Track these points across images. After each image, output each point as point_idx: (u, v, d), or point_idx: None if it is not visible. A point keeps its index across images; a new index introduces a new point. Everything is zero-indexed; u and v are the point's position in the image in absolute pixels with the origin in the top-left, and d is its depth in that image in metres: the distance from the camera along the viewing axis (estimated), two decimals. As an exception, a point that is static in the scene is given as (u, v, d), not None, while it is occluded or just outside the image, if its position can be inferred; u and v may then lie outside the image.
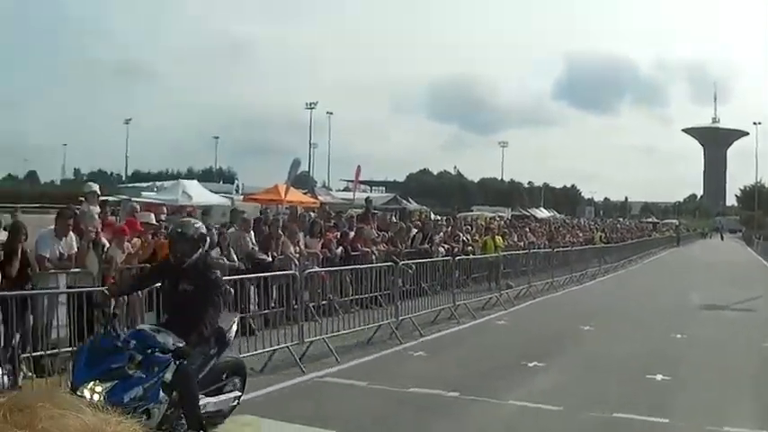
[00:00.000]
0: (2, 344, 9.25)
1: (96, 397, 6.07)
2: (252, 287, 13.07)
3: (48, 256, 10.88)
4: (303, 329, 12.05)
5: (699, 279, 31.38)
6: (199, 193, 32.65)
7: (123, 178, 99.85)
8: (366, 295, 15.35)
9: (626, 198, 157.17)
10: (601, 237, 42.52)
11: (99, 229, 11.91)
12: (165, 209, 16.80)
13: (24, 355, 9.30)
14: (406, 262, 17.23)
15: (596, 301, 22.30)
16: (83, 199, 14.46)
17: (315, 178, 77.38)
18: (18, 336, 9.33)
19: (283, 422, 8.76)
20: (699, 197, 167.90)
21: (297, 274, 12.91)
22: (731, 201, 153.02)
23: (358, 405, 9.77)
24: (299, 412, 9.15)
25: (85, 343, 6.79)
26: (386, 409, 9.53)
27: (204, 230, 7.84)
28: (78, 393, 5.53)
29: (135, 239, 12.73)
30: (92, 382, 6.33)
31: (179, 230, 7.63)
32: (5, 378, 8.72)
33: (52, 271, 10.85)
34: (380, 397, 10.18)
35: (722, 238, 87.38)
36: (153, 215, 14.62)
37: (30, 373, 9.14)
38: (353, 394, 10.35)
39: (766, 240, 57.29)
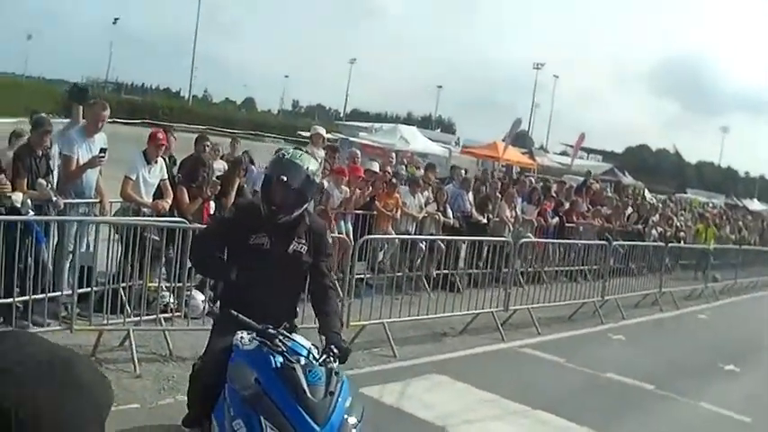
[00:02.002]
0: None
1: None
2: (463, 245, 13.40)
3: None
4: (510, 296, 12.19)
5: None
6: (416, 140, 32.89)
7: (341, 115, 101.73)
8: (575, 268, 15.44)
9: None
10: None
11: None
12: (393, 157, 16.92)
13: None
14: (620, 243, 17.11)
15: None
16: (307, 140, 14.79)
17: (533, 138, 76.59)
18: None
19: (476, 388, 8.86)
20: None
21: (511, 241, 13.07)
22: None
23: (554, 382, 9.81)
24: (493, 380, 9.23)
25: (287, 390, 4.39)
26: (581, 392, 9.54)
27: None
28: None
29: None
30: None
31: (297, 164, 5.09)
32: (204, 304, 9.06)
33: None
34: (577, 378, 10.22)
35: None
36: (377, 164, 14.91)
37: None
38: (551, 370, 10.43)
39: None
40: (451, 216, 14.73)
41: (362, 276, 11.07)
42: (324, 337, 4.95)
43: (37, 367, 1.27)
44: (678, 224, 24.60)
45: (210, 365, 5.12)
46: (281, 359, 4.53)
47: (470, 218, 15.00)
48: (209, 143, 11.62)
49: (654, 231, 21.70)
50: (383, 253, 12.59)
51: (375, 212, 13.13)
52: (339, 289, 5.50)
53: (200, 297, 9.24)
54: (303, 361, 4.53)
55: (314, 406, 4.27)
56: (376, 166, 14.37)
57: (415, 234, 13.63)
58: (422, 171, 19.77)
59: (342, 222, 12.55)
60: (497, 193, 16.05)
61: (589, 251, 15.69)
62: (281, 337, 4.66)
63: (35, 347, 1.31)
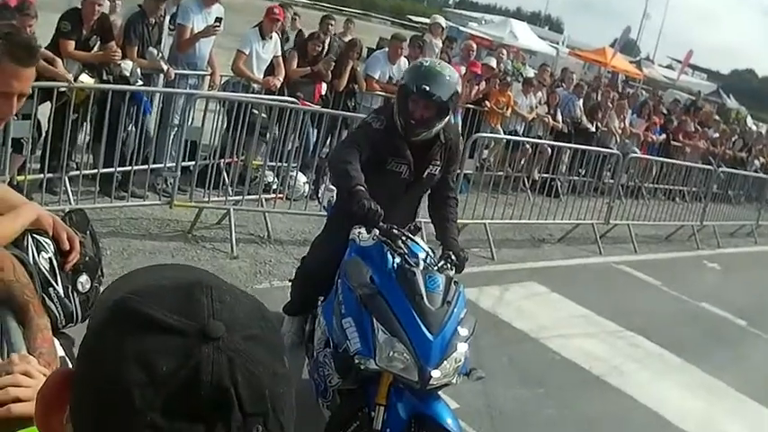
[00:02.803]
0: (311, 152, 9.72)
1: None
2: (568, 151, 13.22)
3: (377, 77, 11.19)
4: (612, 210, 12.05)
5: None
6: (526, 36, 32.14)
7: (450, 2, 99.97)
8: (677, 187, 15.21)
9: None
10: None
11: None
12: (504, 54, 16.47)
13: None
14: (723, 168, 16.74)
15: None
16: (416, 25, 14.46)
17: (639, 48, 74.47)
18: (328, 149, 9.71)
19: (572, 301, 8.87)
20: None
21: (620, 153, 12.87)
22: None
23: (649, 305, 9.73)
24: (589, 294, 9.20)
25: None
26: (676, 319, 9.47)
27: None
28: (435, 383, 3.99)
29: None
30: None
31: (440, 73, 4.70)
32: (306, 186, 9.13)
33: (378, 93, 11.10)
34: (671, 303, 10.15)
35: None
36: (494, 60, 14.55)
37: (332, 186, 9.60)
38: (645, 291, 10.35)
39: None
40: (560, 120, 14.50)
41: (470, 173, 10.99)
42: (442, 244, 4.84)
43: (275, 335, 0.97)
44: (783, 155, 23.91)
45: (323, 257, 5.07)
46: (398, 260, 4.35)
47: (579, 124, 14.74)
48: (333, 22, 11.50)
49: (756, 161, 21.15)
50: (488, 151, 12.50)
51: (486, 109, 12.96)
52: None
53: (303, 179, 9.26)
54: (422, 265, 4.34)
55: (430, 313, 4.06)
56: (493, 62, 14.06)
57: (522, 135, 13.46)
58: (527, 68, 19.46)
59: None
60: (609, 103, 15.69)
61: (691, 173, 15.38)
62: (403, 238, 4.51)
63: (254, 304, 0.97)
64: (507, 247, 10.43)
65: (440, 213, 5.07)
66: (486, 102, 12.98)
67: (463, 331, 4.15)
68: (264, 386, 0.88)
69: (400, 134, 4.74)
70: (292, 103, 9.05)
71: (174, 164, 8.26)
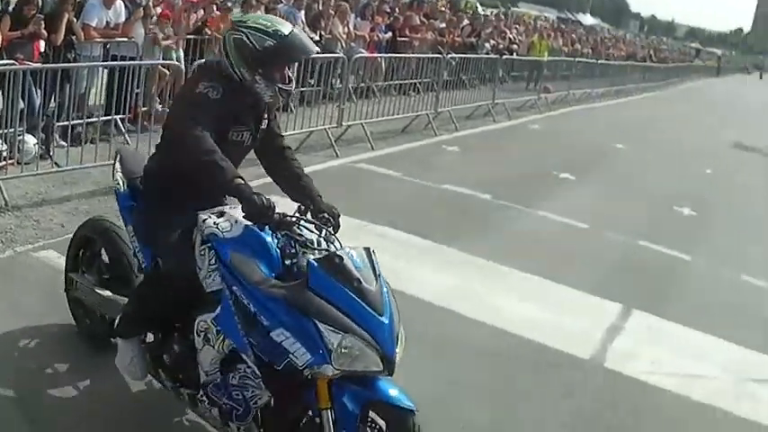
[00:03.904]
0: (37, 112, 9.27)
1: None
2: (294, 64, 12.94)
3: (94, 24, 10.61)
4: (343, 112, 12.02)
5: (736, 115, 30.82)
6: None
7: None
8: (408, 81, 15.35)
9: (672, 19, 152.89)
10: (651, 56, 41.37)
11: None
12: None
13: (59, 124, 9.35)
14: (452, 55, 17.09)
15: (633, 121, 21.93)
16: None
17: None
18: (54, 104, 9.36)
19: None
20: (745, 33, 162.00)
21: (344, 56, 12.76)
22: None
23: (392, 196, 9.81)
24: (330, 197, 8.99)
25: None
26: (419, 204, 9.58)
27: None
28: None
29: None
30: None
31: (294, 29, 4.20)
32: (36, 147, 8.74)
33: (97, 40, 10.59)
34: (414, 190, 10.26)
35: (761, 77, 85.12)
36: None
37: (63, 142, 9.23)
38: (387, 184, 10.39)
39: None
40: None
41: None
42: (308, 204, 4.28)
43: None
44: (511, 37, 24.81)
45: (183, 257, 4.13)
46: (281, 243, 3.92)
47: (304, 36, 14.46)
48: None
49: (487, 44, 21.80)
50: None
51: (207, 37, 12.40)
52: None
53: (32, 141, 8.74)
54: (326, 245, 3.94)
55: (370, 294, 3.64)
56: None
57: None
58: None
59: (173, 52, 11.79)
60: (330, 10, 15.52)
61: (422, 65, 15.58)
62: (299, 224, 3.99)
63: None
64: (242, 168, 10.09)
65: (287, 169, 4.50)
66: (207, 29, 12.45)
67: (387, 290, 3.79)
68: None
69: (239, 98, 4.13)
70: (11, 64, 8.36)
71: None
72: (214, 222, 3.98)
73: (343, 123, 12.00)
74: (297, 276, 3.76)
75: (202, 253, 4.00)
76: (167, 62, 11.11)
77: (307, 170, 9.64)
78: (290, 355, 3.58)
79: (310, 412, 3.77)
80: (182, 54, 11.69)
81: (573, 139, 16.38)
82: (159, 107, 10.59)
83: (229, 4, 13.74)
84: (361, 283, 3.62)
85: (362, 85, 14.29)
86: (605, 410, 5.27)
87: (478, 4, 37.12)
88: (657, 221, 10.68)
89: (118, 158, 4.75)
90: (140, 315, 4.41)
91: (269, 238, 3.91)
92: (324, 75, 12.62)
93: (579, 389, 5.49)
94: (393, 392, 3.64)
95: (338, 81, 13.18)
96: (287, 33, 3.99)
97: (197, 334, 3.97)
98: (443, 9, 23.50)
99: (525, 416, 5.06)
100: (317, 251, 3.87)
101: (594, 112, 22.86)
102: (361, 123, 12.36)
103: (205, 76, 4.15)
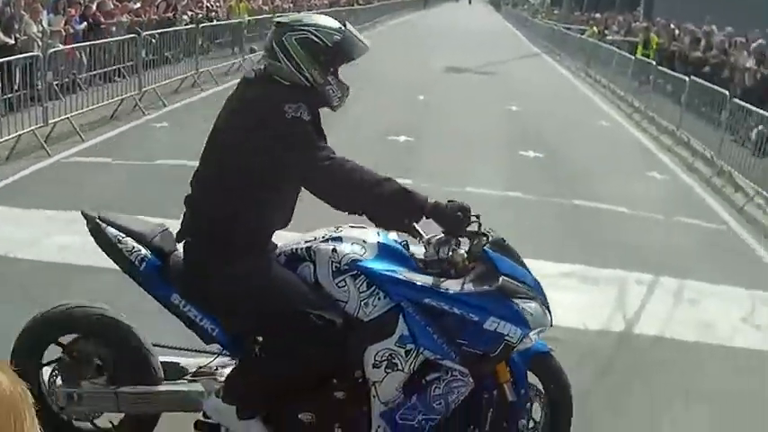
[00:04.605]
0: None
1: None
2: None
3: None
4: (48, 110, 12.28)
5: (446, 43, 32.98)
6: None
7: None
8: (110, 68, 15.79)
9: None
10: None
11: None
12: None
13: None
14: (150, 32, 17.65)
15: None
16: None
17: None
18: None
19: (37, 209, 8.71)
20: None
21: (40, 54, 13.12)
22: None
23: (103, 182, 10.11)
24: (45, 197, 9.23)
25: None
26: (132, 183, 10.05)
27: None
28: None
29: None
30: None
31: None
32: None
33: None
34: (126, 172, 10.71)
35: (470, 2, 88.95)
36: None
37: None
38: (99, 172, 10.70)
39: (514, 7, 60.18)
40: None
41: None
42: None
43: None
44: (209, 5, 25.41)
45: (329, 311, 3.80)
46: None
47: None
48: None
49: (185, 16, 22.40)
50: None
51: None
52: None
53: None
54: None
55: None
56: None
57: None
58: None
59: None
60: (22, 11, 15.60)
61: (122, 48, 16.05)
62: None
63: None
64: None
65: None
66: None
67: None
68: None
69: (316, 108, 3.92)
70: None
71: None
72: (351, 250, 3.89)
73: (49, 121, 12.29)
74: (429, 266, 3.94)
75: (341, 285, 3.85)
76: None
77: (19, 175, 9.88)
78: (505, 338, 3.85)
79: (486, 393, 4.11)
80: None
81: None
82: None
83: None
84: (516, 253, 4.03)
85: (66, 80, 14.57)
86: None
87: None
88: (377, 153, 11.32)
89: (103, 227, 4.30)
90: (248, 396, 4.02)
91: (393, 242, 4.02)
92: (24, 76, 12.66)
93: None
94: (537, 344, 4.14)
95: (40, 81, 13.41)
96: (343, 26, 3.90)
97: (373, 366, 3.82)
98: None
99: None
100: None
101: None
102: (68, 117, 12.71)
103: (288, 100, 3.76)
